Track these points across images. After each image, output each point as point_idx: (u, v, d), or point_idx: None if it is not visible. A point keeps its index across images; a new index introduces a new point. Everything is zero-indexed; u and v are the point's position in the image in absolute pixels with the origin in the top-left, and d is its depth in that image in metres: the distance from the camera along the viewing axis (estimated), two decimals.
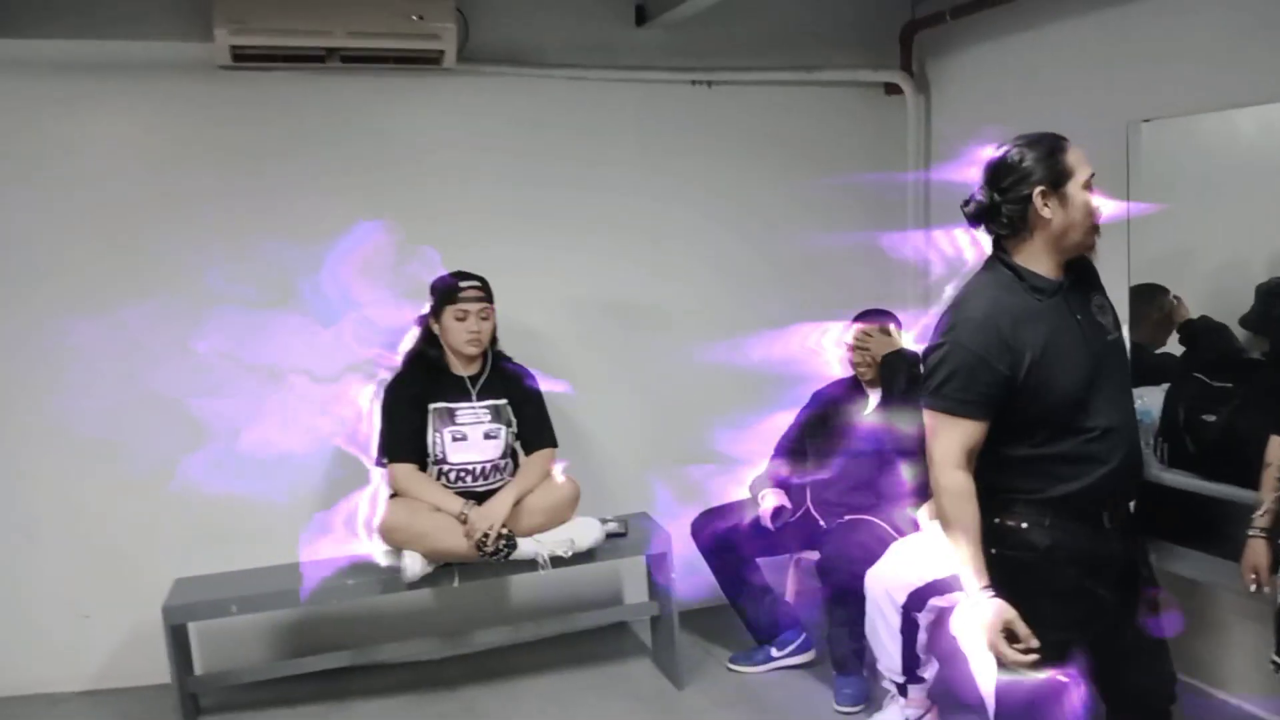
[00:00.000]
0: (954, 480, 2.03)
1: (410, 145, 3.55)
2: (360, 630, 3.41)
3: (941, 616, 2.90)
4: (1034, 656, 1.98)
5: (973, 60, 3.78)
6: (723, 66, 3.82)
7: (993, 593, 1.99)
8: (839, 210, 4.02)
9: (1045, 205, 2.03)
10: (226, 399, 3.41)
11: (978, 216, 2.11)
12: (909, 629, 2.89)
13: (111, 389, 3.35)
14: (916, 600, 2.86)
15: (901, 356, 3.32)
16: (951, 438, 2.03)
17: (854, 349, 3.44)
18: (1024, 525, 2.04)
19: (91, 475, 3.35)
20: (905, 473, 3.28)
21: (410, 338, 3.30)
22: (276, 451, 3.44)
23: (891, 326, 3.43)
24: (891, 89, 4.01)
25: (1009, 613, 1.98)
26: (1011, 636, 1.98)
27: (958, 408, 2.02)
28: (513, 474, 3.26)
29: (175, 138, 3.36)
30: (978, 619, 2.00)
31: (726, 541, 3.40)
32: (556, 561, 3.12)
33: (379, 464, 3.19)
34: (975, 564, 2.02)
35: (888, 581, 2.92)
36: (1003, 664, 2.02)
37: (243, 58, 3.21)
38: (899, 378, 3.30)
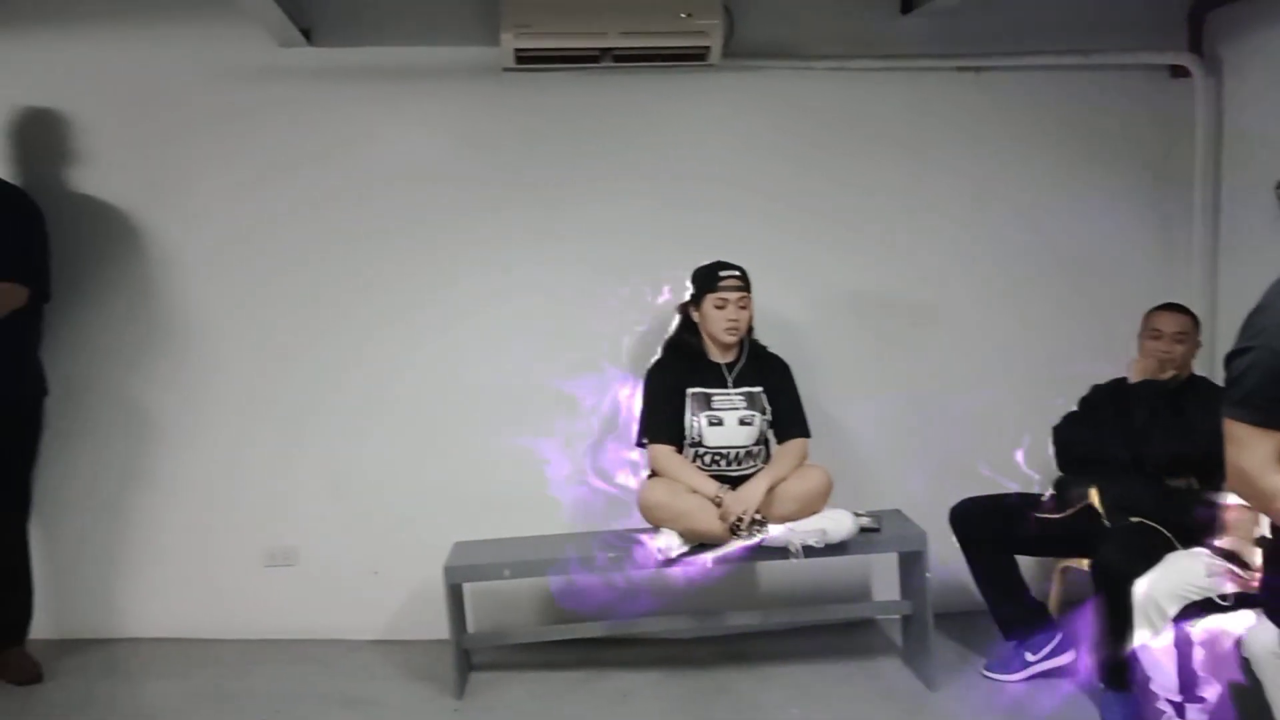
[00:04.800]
0: (1276, 482, 1.87)
1: (676, 139, 3.68)
2: (617, 603, 3.52)
3: (1222, 636, 2.69)
4: None
5: (1276, 41, 3.46)
6: (991, 52, 3.70)
7: None
8: (1116, 203, 3.80)
9: None
10: (507, 378, 3.67)
11: None
12: (1183, 645, 2.70)
13: (412, 366, 3.68)
14: (1190, 614, 2.67)
15: (1142, 389, 3.16)
16: (1261, 449, 1.87)
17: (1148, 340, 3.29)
18: None
19: (388, 443, 3.69)
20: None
21: (671, 325, 3.43)
22: (550, 428, 3.67)
23: (1180, 322, 3.24)
24: (1178, 71, 3.74)
25: None
26: None
27: (1268, 419, 1.87)
28: (765, 461, 3.31)
29: (464, 135, 3.65)
30: None
31: (988, 532, 3.29)
32: (808, 551, 3.12)
33: (639, 444, 3.32)
34: None
35: (1158, 591, 2.73)
36: None
37: (525, 60, 3.42)
38: (1138, 412, 3.13)
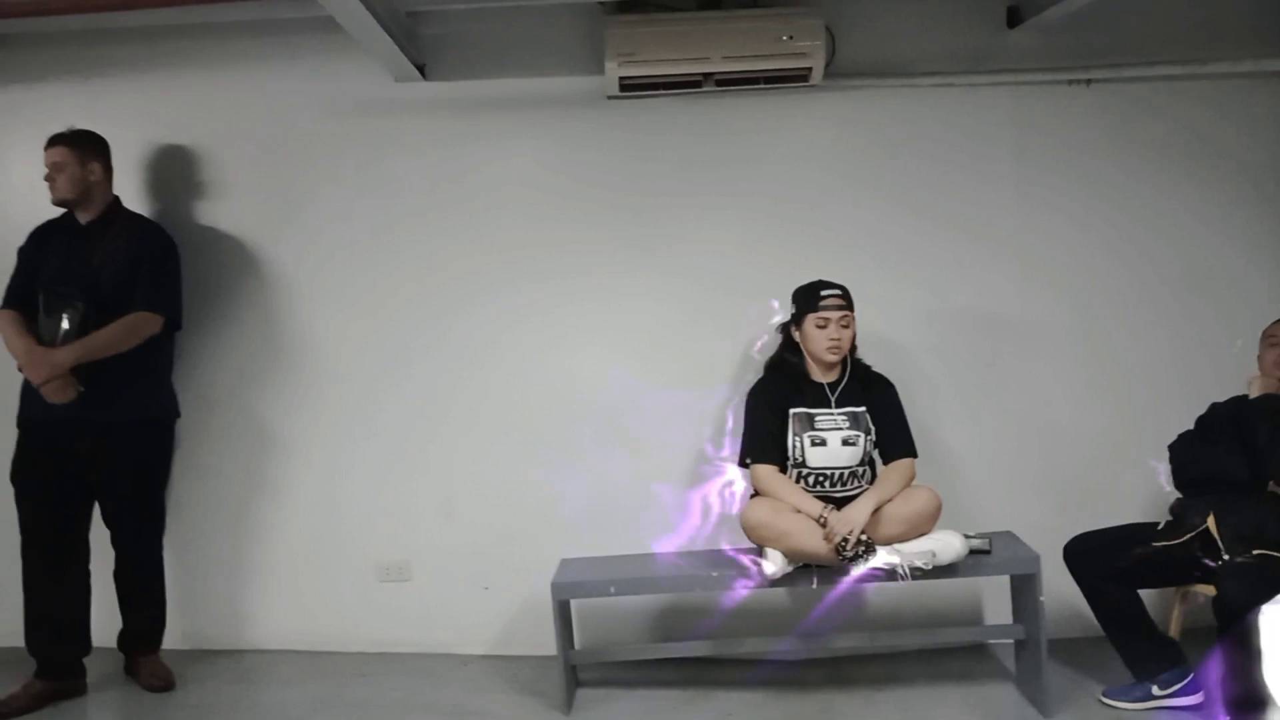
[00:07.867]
0: None
1: (778, 159, 3.71)
2: (721, 622, 3.55)
3: None
4: None
5: None
6: (1102, 64, 3.63)
7: None
8: (1234, 220, 3.69)
9: None
10: (613, 396, 3.73)
11: None
12: None
13: (521, 385, 3.77)
14: None
15: (1262, 404, 3.02)
16: None
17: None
18: None
19: (498, 461, 3.77)
20: None
21: (772, 344, 3.45)
22: (656, 446, 3.71)
23: None
24: None
25: None
26: None
27: None
28: (870, 482, 3.28)
29: (571, 161, 3.74)
30: None
31: (1105, 568, 3.17)
32: (916, 573, 3.08)
33: (742, 464, 3.33)
34: None
35: None
36: None
37: (629, 87, 3.50)
38: (1259, 430, 3.00)
